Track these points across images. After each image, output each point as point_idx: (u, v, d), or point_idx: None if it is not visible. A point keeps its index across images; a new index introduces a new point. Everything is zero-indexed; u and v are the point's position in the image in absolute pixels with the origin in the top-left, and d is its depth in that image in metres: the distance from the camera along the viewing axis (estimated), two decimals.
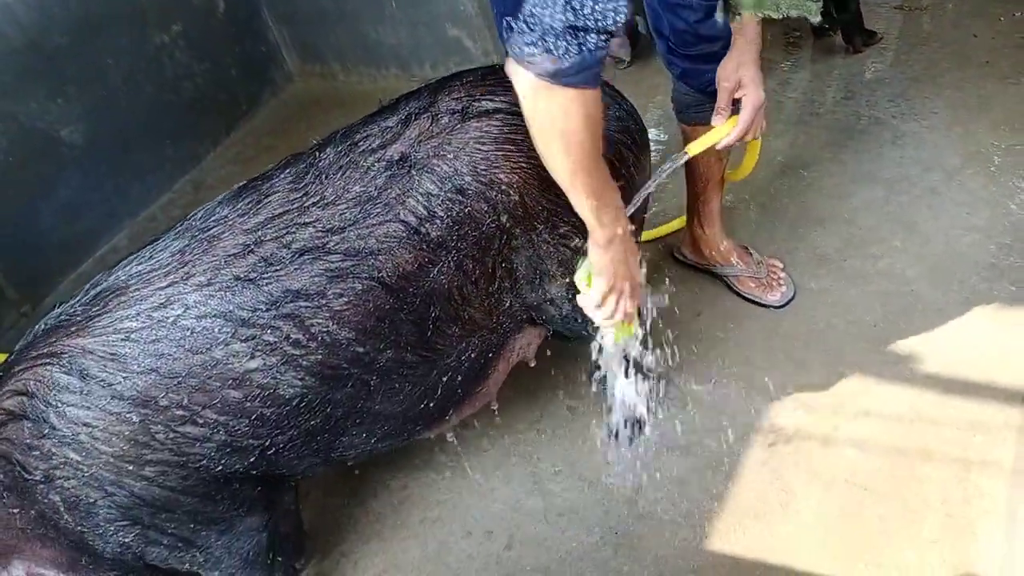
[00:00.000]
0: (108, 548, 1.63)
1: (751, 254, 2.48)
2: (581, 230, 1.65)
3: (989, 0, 3.26)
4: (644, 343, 1.95)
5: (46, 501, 1.55)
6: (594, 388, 2.06)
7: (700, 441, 2.17)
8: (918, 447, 2.02)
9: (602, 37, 1.30)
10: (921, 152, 2.75)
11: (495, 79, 1.70)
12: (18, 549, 1.59)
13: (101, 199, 3.22)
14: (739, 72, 1.82)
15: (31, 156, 2.98)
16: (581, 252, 1.71)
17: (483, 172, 1.61)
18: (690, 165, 2.25)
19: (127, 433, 1.51)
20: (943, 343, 2.21)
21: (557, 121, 1.37)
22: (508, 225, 1.66)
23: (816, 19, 1.57)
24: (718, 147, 1.85)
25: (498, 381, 1.97)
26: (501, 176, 1.62)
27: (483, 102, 1.65)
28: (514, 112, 1.61)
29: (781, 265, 2.48)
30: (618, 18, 1.29)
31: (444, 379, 1.77)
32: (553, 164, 1.44)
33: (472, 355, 1.78)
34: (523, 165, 1.63)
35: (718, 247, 2.46)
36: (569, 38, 1.28)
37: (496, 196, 1.62)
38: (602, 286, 1.65)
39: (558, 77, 1.31)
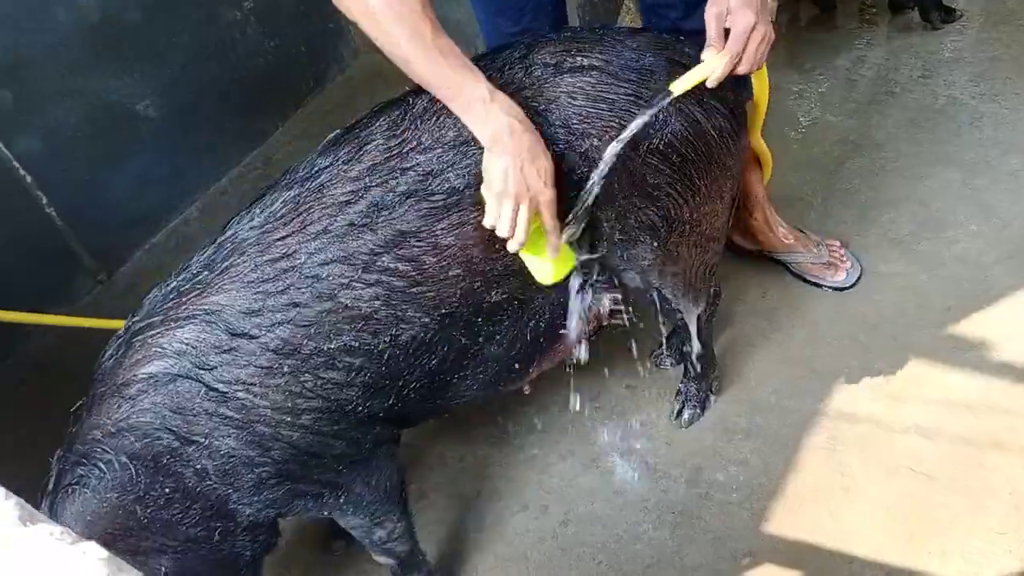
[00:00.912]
0: (251, 510, 1.65)
1: (809, 237, 2.43)
2: (673, 195, 1.65)
3: None
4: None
5: (194, 469, 1.56)
6: (649, 366, 2.05)
7: (761, 423, 2.15)
8: (986, 436, 1.96)
9: None
10: (1000, 134, 2.65)
11: (592, 37, 1.68)
12: (151, 543, 1.60)
13: (173, 172, 3.30)
14: None
15: (106, 129, 3.06)
16: None
17: (574, 127, 1.60)
18: None
19: (281, 384, 1.54)
20: (1017, 331, 2.14)
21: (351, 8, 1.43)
22: (593, 180, 1.62)
23: None
24: (709, 83, 1.56)
25: (576, 336, 1.97)
26: (591, 131, 1.60)
27: (578, 58, 1.63)
28: (609, 71, 1.61)
29: (839, 243, 2.42)
30: None
31: (531, 324, 1.78)
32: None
33: (555, 302, 1.79)
34: (613, 124, 1.59)
35: (773, 232, 2.40)
36: None
37: (585, 150, 1.60)
38: (489, 191, 1.48)
39: None
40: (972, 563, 1.78)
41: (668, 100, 1.54)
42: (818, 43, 3.25)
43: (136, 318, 1.59)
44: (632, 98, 1.61)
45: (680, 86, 1.53)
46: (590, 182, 1.56)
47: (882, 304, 2.31)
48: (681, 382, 2.21)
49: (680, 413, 2.20)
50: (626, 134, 1.53)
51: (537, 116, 1.58)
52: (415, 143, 1.57)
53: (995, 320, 2.18)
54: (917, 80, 2.96)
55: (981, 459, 1.93)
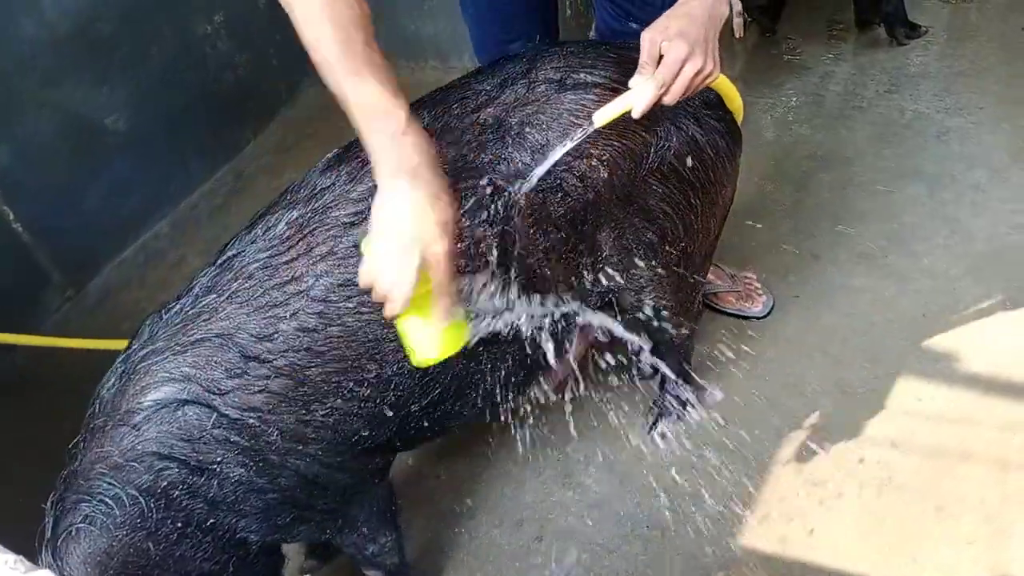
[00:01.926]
0: (258, 537, 1.62)
1: (723, 269, 2.43)
2: (670, 214, 1.65)
3: None
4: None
5: (204, 499, 1.52)
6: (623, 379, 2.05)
7: (734, 436, 2.15)
8: (957, 447, 1.99)
9: None
10: (966, 148, 2.70)
11: (596, 52, 1.67)
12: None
13: (145, 186, 3.26)
14: (668, 21, 1.47)
15: (77, 143, 3.03)
16: None
17: (575, 145, 1.55)
18: None
19: (292, 411, 1.51)
20: (985, 343, 2.17)
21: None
22: (595, 202, 1.63)
23: None
24: (634, 114, 1.45)
25: (576, 356, 1.96)
26: (592, 151, 1.59)
27: (581, 74, 1.62)
28: (612, 87, 1.59)
29: (753, 275, 2.44)
30: None
31: (522, 350, 1.73)
32: None
33: (551, 328, 1.76)
34: (615, 143, 1.60)
35: None
36: None
37: (586, 171, 1.59)
38: (374, 252, 1.26)
39: None
40: (944, 572, 1.79)
41: (590, 131, 1.46)
42: (786, 59, 3.29)
43: (136, 344, 1.53)
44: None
45: (602, 117, 1.45)
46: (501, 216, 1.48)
47: (852, 317, 2.33)
48: (658, 396, 2.22)
49: (654, 426, 2.21)
50: (540, 169, 1.47)
51: (539, 133, 1.57)
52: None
53: (963, 332, 2.21)
54: (884, 95, 3.00)
55: (952, 469, 1.95)
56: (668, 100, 1.45)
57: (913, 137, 2.80)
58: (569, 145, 1.47)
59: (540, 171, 1.48)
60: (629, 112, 1.45)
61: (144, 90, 3.20)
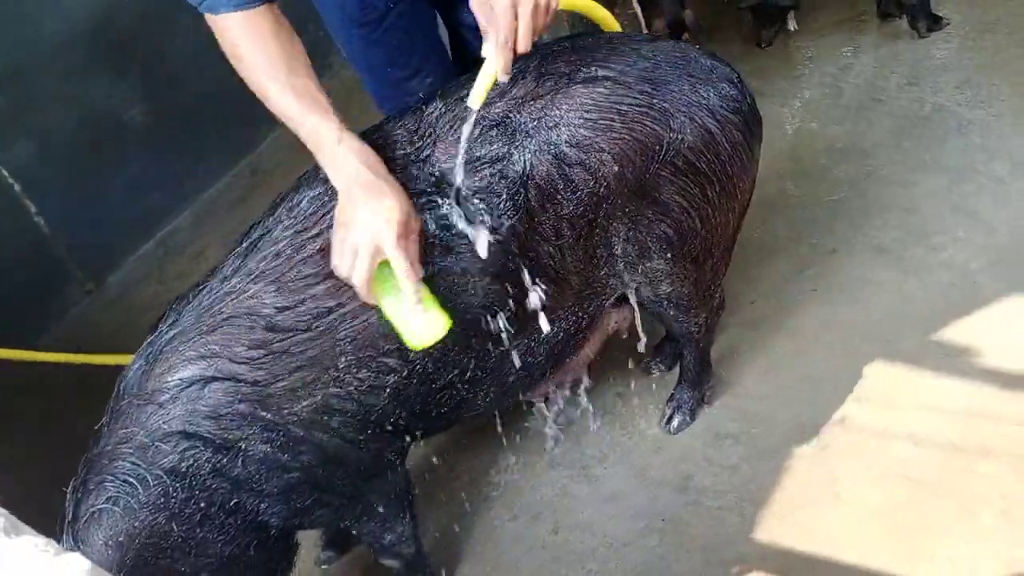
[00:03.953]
0: (278, 520, 1.64)
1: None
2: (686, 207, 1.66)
3: None
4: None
5: (228, 479, 1.53)
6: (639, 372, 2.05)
7: (751, 430, 2.15)
8: (975, 442, 1.97)
9: None
10: (987, 140, 2.67)
11: (608, 47, 1.67)
12: (184, 564, 1.56)
13: (164, 180, 3.28)
14: None
15: (97, 137, 3.05)
16: None
17: (585, 139, 1.58)
18: None
19: (319, 382, 1.53)
20: (1005, 337, 2.15)
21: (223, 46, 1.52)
22: (606, 195, 1.63)
23: None
24: (500, 79, 1.43)
25: (592, 350, 1.96)
26: (602, 144, 1.59)
27: (592, 68, 1.62)
28: (622, 82, 1.60)
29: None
30: None
31: (540, 342, 1.76)
32: None
33: (567, 321, 1.78)
34: (625, 136, 1.59)
35: None
36: None
37: (596, 165, 1.59)
38: (335, 235, 1.47)
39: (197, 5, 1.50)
40: (961, 568, 1.78)
41: (474, 116, 1.46)
42: (805, 50, 3.27)
43: (163, 327, 1.55)
44: (644, 109, 1.60)
45: (476, 98, 1.44)
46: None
47: (870, 311, 2.31)
48: (675, 388, 2.22)
49: (670, 419, 2.20)
50: (459, 161, 1.49)
51: (548, 126, 1.57)
52: (429, 152, 1.57)
53: (983, 326, 2.19)
54: (904, 87, 2.98)
55: (971, 465, 1.94)
56: (523, 48, 1.41)
57: (933, 130, 2.77)
58: (467, 137, 1.47)
59: (459, 170, 1.50)
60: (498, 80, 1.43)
61: (164, 85, 3.22)
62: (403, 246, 1.42)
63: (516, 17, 1.38)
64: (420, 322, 1.47)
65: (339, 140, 1.46)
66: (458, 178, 1.50)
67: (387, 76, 1.97)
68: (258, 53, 1.49)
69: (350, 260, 1.43)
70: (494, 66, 1.41)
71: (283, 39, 1.51)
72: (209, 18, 1.53)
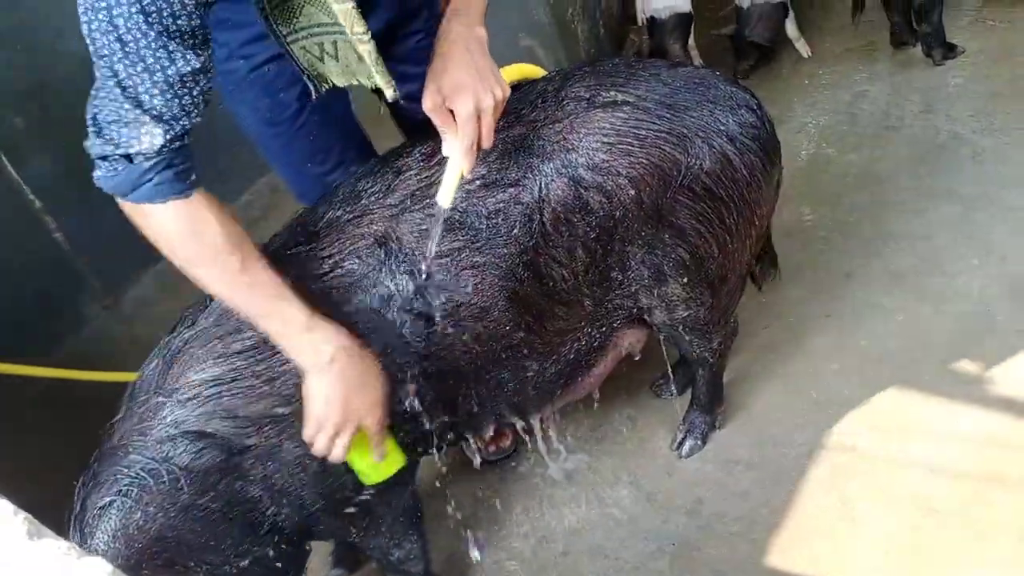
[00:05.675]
0: (289, 526, 1.64)
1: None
2: (703, 232, 1.68)
3: None
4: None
5: (243, 478, 1.54)
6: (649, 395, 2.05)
7: (764, 455, 2.14)
8: (989, 471, 1.96)
9: (131, 160, 1.42)
10: (1002, 168, 2.67)
11: (627, 72, 1.68)
12: (191, 562, 1.56)
13: None
14: (435, 80, 1.43)
15: None
16: None
17: (602, 163, 1.59)
18: None
19: None
20: (1019, 365, 2.14)
21: (156, 240, 1.48)
22: (622, 219, 1.64)
23: None
24: (466, 174, 1.45)
25: (604, 371, 1.96)
26: (620, 169, 1.60)
27: (611, 92, 1.63)
28: (640, 107, 1.61)
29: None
30: (141, 144, 1.42)
31: (552, 362, 1.77)
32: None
33: (579, 342, 1.79)
34: (643, 161, 1.60)
35: None
36: (104, 161, 1.44)
37: (613, 189, 1.60)
38: (309, 417, 1.47)
39: (121, 196, 1.47)
40: None
41: (445, 214, 1.49)
42: (820, 78, 3.29)
43: (182, 327, 1.58)
44: (663, 134, 1.61)
45: (445, 196, 1.46)
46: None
47: (884, 338, 2.31)
48: (686, 412, 2.21)
49: (682, 443, 2.20)
50: (429, 255, 1.52)
51: (566, 150, 1.59)
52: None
53: (997, 355, 2.18)
54: (918, 115, 2.99)
55: (985, 494, 1.92)
56: (487, 146, 1.46)
57: (948, 157, 2.78)
58: (436, 233, 1.50)
59: (428, 263, 1.54)
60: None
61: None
62: (379, 425, 1.52)
63: (479, 124, 1.42)
64: (377, 468, 1.61)
65: (309, 326, 1.43)
66: (424, 270, 1.54)
67: (307, 172, 1.94)
68: (200, 256, 1.45)
69: (328, 441, 1.48)
70: (459, 166, 1.44)
71: (228, 223, 1.49)
72: (130, 207, 1.51)
